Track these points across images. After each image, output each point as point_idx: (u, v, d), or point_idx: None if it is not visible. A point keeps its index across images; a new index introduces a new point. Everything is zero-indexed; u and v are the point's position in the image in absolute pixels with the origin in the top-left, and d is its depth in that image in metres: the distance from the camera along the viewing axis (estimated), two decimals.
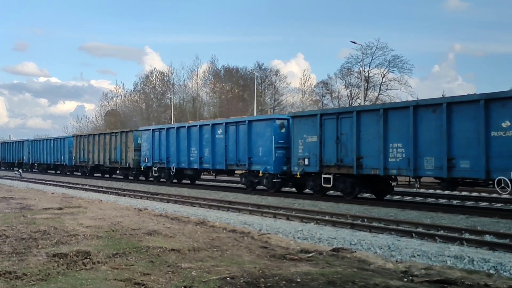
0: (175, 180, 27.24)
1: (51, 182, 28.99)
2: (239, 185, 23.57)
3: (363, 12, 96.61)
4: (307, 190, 19.66)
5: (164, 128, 27.30)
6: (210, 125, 23.56)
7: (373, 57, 53.53)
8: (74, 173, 40.08)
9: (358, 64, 52.82)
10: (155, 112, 71.88)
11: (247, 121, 21.44)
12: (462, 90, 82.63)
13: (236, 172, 23.84)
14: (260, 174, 20.20)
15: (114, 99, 79.63)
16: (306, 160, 18.21)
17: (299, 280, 5.69)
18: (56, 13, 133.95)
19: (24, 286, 5.38)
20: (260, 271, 6.10)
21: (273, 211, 13.84)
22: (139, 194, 20.63)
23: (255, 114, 48.13)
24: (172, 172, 26.00)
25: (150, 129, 28.66)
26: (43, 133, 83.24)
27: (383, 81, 54.55)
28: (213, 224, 10.59)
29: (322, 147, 17.65)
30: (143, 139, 28.82)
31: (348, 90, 56.66)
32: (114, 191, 22.21)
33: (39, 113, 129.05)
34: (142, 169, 29.00)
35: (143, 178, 30.54)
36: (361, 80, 49.07)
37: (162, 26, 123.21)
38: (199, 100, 68.18)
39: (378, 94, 54.40)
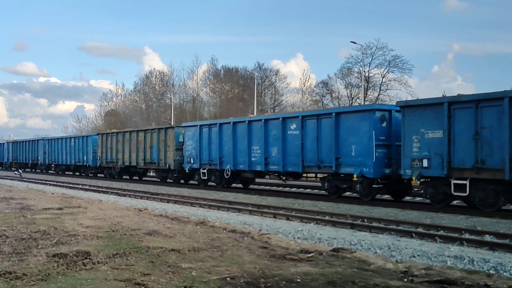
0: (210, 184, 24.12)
1: (51, 182, 28.98)
2: (316, 191, 20.82)
3: (362, 12, 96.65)
4: (419, 199, 17.31)
5: (216, 124, 23.56)
6: (280, 119, 19.74)
7: (373, 57, 53.54)
8: (98, 175, 36.34)
9: (358, 64, 52.83)
10: (155, 112, 71.85)
11: (334, 114, 17.60)
12: (462, 90, 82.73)
13: (318, 175, 20.04)
14: (354, 178, 16.43)
15: (114, 99, 79.74)
16: (425, 161, 14.61)
17: (299, 280, 5.69)
18: (55, 13, 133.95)
19: (24, 286, 5.38)
20: (260, 271, 6.10)
21: (273, 211, 13.84)
22: (139, 194, 20.64)
23: (255, 114, 48.08)
24: (227, 174, 22.41)
25: (197, 125, 24.86)
26: (43, 133, 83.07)
27: (383, 81, 54.58)
28: (213, 224, 10.59)
29: (451, 144, 14.02)
30: (188, 137, 25.06)
31: (348, 90, 56.71)
32: (114, 191, 22.21)
33: (39, 113, 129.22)
34: (187, 171, 25.04)
35: (182, 181, 27.11)
36: (361, 80, 49.08)
37: (161, 26, 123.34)
38: (199, 100, 68.17)
39: (378, 94, 54.40)
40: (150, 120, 66.70)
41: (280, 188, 24.10)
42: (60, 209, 13.24)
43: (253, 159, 20.99)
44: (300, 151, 18.62)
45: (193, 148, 24.52)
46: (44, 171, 45.57)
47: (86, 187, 25.46)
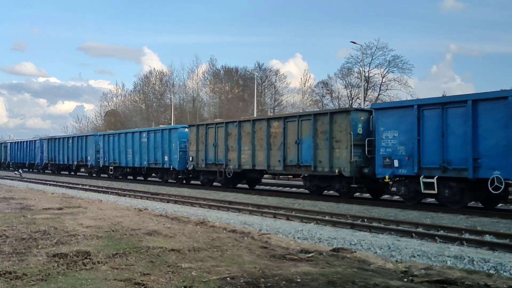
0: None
1: (51, 182, 28.97)
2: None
3: (360, 13, 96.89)
4: None
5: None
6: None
7: (373, 57, 53.61)
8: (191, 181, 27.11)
9: (358, 64, 52.90)
10: (155, 113, 71.87)
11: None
12: (461, 90, 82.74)
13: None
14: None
15: (114, 99, 79.76)
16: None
17: (299, 280, 5.68)
18: (54, 13, 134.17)
19: (24, 286, 5.38)
20: (260, 271, 6.10)
21: (273, 211, 13.83)
22: (139, 194, 20.63)
23: (255, 114, 48.08)
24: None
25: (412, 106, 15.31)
26: (42, 133, 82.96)
27: (383, 81, 54.64)
28: (213, 224, 10.59)
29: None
30: (389, 125, 15.74)
31: (348, 90, 56.74)
32: (114, 191, 22.20)
33: (38, 113, 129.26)
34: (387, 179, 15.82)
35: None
36: (361, 80, 49.10)
37: (160, 26, 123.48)
38: (199, 100, 68.20)
39: (378, 94, 54.44)
40: (150, 120, 66.69)
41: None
42: (60, 209, 13.24)
43: None
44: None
45: (402, 142, 15.58)
46: (94, 175, 35.70)
47: (86, 187, 25.46)
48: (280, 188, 24.07)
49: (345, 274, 6.04)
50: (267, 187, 24.46)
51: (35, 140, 47.34)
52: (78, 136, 38.83)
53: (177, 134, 26.16)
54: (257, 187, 23.89)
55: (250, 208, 14.91)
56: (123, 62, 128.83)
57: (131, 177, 31.91)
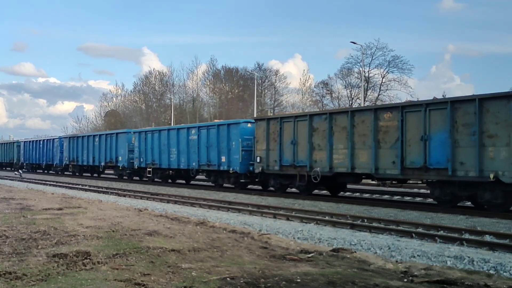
0: None
1: (51, 183, 28.96)
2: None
3: (360, 13, 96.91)
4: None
5: None
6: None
7: (373, 58, 53.62)
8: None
9: (358, 64, 52.90)
10: (155, 113, 71.89)
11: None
12: (460, 90, 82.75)
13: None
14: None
15: (114, 99, 79.76)
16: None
17: (299, 280, 5.68)
18: (54, 13, 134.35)
19: (24, 286, 5.38)
20: (260, 272, 6.10)
21: (273, 212, 13.83)
22: (139, 194, 20.62)
23: (255, 114, 48.08)
24: None
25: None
26: (42, 133, 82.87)
27: (383, 81, 54.64)
28: (213, 225, 10.59)
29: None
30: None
31: (348, 91, 56.75)
32: (114, 191, 22.19)
33: (38, 114, 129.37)
34: None
35: None
36: (361, 80, 49.10)
37: (160, 26, 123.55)
38: (199, 100, 68.22)
39: (378, 95, 54.46)
40: (150, 120, 66.69)
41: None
42: (60, 209, 13.23)
43: None
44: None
45: None
46: (125, 177, 31.42)
47: (86, 187, 25.44)
48: (375, 196, 19.37)
49: (345, 275, 6.04)
50: (355, 194, 20.09)
51: (53, 139, 43.06)
52: (106, 134, 34.07)
53: (239, 131, 21.74)
54: (342, 193, 19.96)
55: (250, 208, 14.91)
56: (123, 62, 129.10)
57: (170, 181, 27.87)
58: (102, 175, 36.62)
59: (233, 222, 11.82)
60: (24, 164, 48.62)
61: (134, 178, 31.05)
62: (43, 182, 30.28)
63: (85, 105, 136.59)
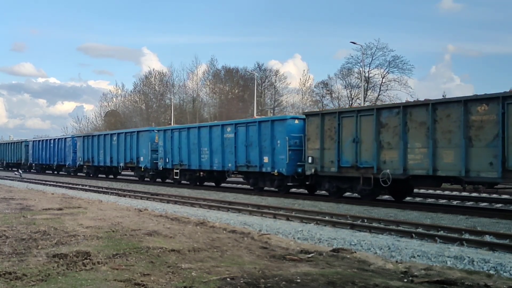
0: None
1: (51, 183, 28.96)
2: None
3: (360, 13, 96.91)
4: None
5: None
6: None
7: (373, 58, 53.60)
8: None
9: (358, 64, 52.89)
10: (155, 113, 71.89)
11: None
12: (460, 91, 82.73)
13: None
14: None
15: (114, 99, 79.72)
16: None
17: (299, 280, 5.69)
18: (53, 13, 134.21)
19: (24, 286, 5.38)
20: (260, 272, 6.10)
21: (273, 212, 13.83)
22: (139, 194, 20.62)
23: (255, 115, 48.07)
24: None
25: None
26: (42, 134, 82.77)
27: (383, 81, 54.63)
28: (213, 225, 10.59)
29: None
30: None
31: (348, 91, 56.73)
32: (114, 191, 22.19)
33: (38, 114, 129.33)
34: None
35: None
36: (361, 80, 49.09)
37: (159, 26, 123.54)
38: (199, 100, 68.23)
39: (378, 95, 54.44)
40: (150, 120, 66.70)
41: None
42: (60, 209, 13.23)
43: None
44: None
45: None
46: (147, 179, 28.87)
47: (86, 187, 25.44)
48: (443, 202, 17.23)
49: (345, 275, 6.04)
50: (417, 199, 17.96)
51: (65, 138, 40.51)
52: (126, 132, 31.22)
53: (285, 128, 19.31)
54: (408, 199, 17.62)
55: (250, 208, 14.91)
56: (123, 62, 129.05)
57: (198, 183, 25.34)
58: (118, 177, 34.67)
59: (233, 222, 11.82)
60: (33, 164, 46.41)
61: (157, 180, 28.53)
62: (43, 182, 30.28)
63: (85, 105, 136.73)
